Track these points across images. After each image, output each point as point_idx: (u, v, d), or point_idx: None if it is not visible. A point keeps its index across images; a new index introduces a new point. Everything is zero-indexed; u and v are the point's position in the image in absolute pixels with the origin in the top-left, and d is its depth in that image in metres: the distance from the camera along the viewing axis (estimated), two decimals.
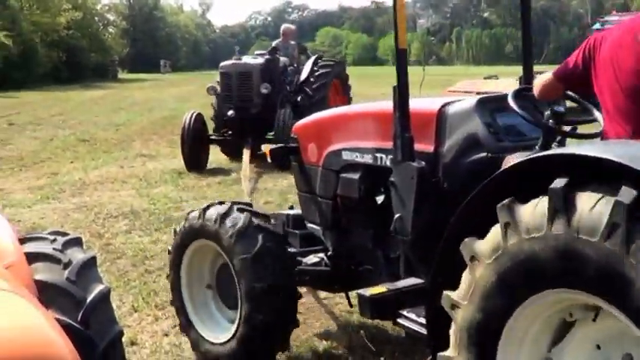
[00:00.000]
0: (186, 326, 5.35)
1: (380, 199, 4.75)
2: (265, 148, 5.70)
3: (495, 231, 2.95)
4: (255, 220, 4.83)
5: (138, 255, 8.24)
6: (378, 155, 4.60)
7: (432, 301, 3.32)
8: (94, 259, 3.24)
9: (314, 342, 5.71)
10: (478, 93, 24.19)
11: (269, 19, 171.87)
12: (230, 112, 14.34)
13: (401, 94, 4.16)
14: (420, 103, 4.54)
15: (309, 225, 5.36)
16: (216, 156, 14.94)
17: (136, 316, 6.36)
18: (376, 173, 4.64)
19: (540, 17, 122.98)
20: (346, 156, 4.89)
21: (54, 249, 3.14)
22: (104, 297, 3.01)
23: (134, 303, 6.65)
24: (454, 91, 24.94)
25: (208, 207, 5.06)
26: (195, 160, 13.95)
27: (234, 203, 5.03)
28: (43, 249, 3.12)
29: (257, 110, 14.49)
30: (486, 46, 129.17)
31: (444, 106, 4.33)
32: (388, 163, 4.46)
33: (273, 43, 16.47)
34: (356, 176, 4.78)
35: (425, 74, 20.59)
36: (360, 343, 5.57)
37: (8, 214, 8.90)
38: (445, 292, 3.13)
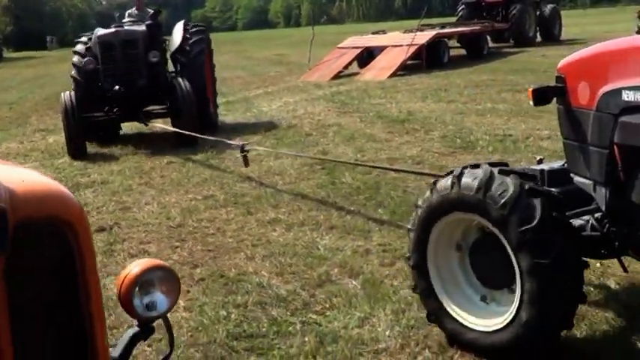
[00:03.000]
0: (438, 314, 4.68)
1: None
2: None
3: None
4: (527, 184, 4.17)
5: None
6: None
7: None
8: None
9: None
10: (366, 48, 25.13)
11: None
12: (116, 87, 12.67)
13: None
14: None
15: (577, 179, 4.59)
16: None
17: None
18: None
19: None
20: (628, 96, 4.07)
21: None
22: None
23: None
24: (343, 47, 25.66)
25: (461, 174, 4.37)
26: (81, 144, 12.56)
27: (490, 165, 4.37)
28: None
29: (144, 82, 13.01)
30: (376, 3, 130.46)
31: None
32: None
33: (127, 13, 15.00)
34: None
35: (315, 33, 21.35)
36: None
37: None
38: None
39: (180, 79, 13.00)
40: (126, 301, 2.27)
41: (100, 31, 13.36)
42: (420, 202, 4.67)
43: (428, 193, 4.60)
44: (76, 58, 13.72)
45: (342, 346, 4.73)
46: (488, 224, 4.25)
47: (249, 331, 5.04)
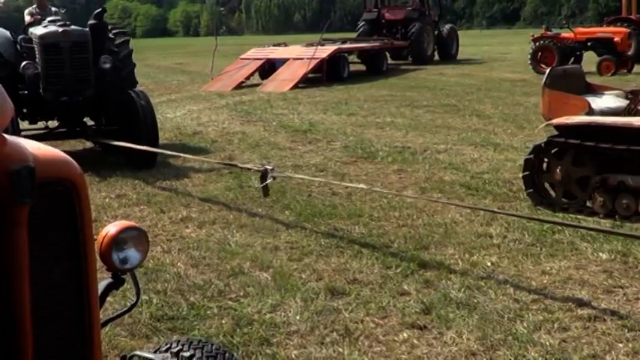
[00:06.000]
0: None
1: None
2: None
3: None
4: None
5: None
6: None
7: None
8: None
9: None
10: (268, 59, 25.61)
11: None
12: (64, 98, 10.88)
13: None
14: None
15: None
16: None
17: None
18: None
19: None
20: None
21: None
22: None
23: None
24: (246, 58, 26.06)
25: None
26: None
27: None
28: None
29: (93, 92, 11.11)
30: (275, 16, 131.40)
31: None
32: None
33: (27, 12, 12.96)
34: None
35: (218, 44, 21.69)
36: None
37: None
38: None
39: (135, 91, 11.60)
40: (105, 256, 2.69)
41: (41, 31, 11.12)
42: None
43: None
44: None
45: (256, 328, 5.16)
46: None
47: (170, 314, 5.43)
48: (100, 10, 11.87)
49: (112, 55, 11.69)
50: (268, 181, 7.90)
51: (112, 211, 8.53)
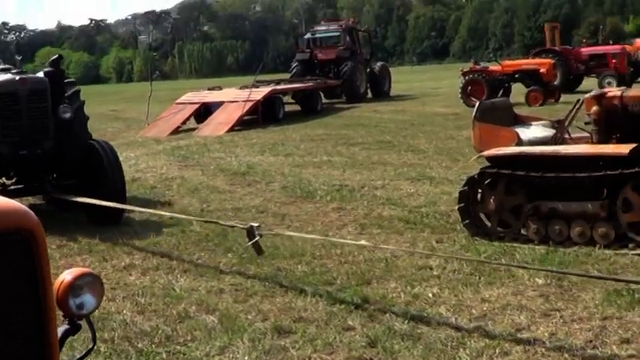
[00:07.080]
0: None
1: None
2: None
3: None
4: None
5: None
6: None
7: None
8: None
9: None
10: (204, 103, 25.72)
11: None
12: (23, 152, 10.04)
13: None
14: None
15: None
16: None
17: None
18: None
19: (257, 29, 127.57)
20: None
21: None
22: None
23: None
24: (181, 103, 26.12)
25: None
26: None
27: None
28: None
29: (52, 144, 10.28)
30: (208, 59, 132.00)
31: None
32: None
33: None
34: None
35: (152, 89, 21.69)
36: None
37: None
38: None
39: (98, 141, 10.93)
40: (62, 302, 2.76)
41: None
42: None
43: None
44: None
45: None
46: None
47: None
48: (56, 56, 11.07)
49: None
50: (256, 238, 7.38)
51: (54, 261, 8.47)
